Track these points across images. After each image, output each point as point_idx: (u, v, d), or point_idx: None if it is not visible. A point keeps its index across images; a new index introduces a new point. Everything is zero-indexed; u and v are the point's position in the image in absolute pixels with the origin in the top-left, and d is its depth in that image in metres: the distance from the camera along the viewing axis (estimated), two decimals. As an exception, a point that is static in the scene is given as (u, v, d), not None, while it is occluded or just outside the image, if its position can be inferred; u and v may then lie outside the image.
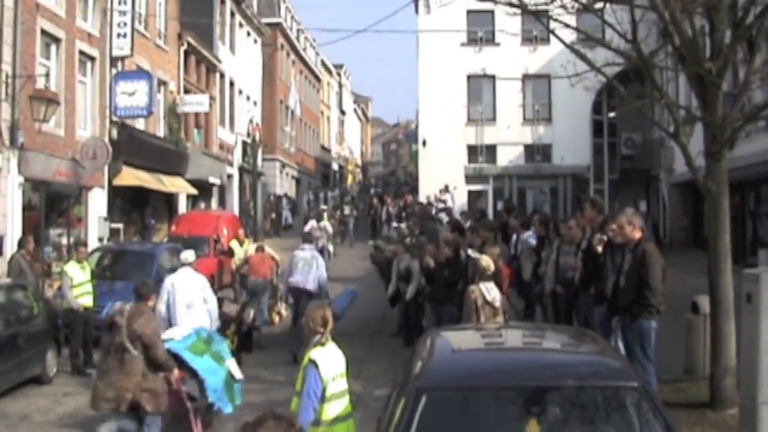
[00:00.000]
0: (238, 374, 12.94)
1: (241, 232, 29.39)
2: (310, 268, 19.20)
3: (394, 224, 37.79)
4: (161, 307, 15.63)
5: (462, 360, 8.28)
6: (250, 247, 24.94)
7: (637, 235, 12.27)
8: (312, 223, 34.67)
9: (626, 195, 41.82)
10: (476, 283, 12.67)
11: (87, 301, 17.94)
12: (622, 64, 14.21)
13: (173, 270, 18.74)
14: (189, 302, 15.86)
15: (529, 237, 19.52)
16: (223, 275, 28.39)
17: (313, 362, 8.22)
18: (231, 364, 12.85)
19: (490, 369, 7.59)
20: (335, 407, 8.28)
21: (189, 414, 11.51)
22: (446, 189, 43.28)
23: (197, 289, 16.15)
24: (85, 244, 20.24)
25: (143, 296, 11.98)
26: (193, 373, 11.95)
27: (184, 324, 14.66)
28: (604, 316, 13.31)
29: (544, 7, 14.47)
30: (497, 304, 12.52)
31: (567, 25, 14.20)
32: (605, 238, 14.23)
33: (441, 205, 39.84)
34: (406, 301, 19.79)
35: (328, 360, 8.32)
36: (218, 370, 12.36)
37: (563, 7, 14.00)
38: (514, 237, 20.82)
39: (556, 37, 13.98)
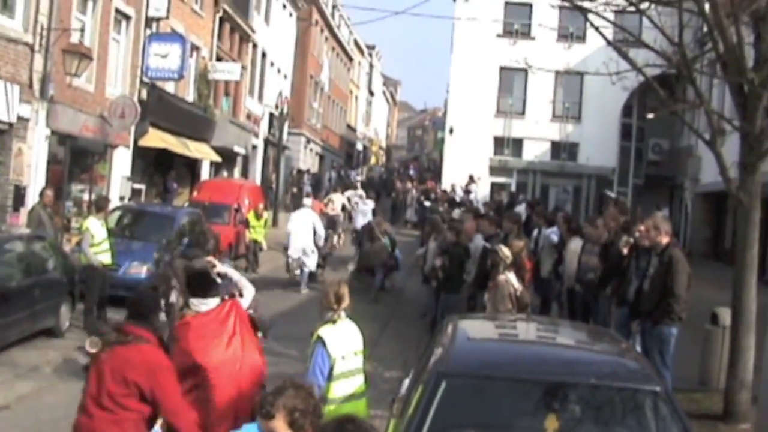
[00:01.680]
0: None
1: (261, 205, 29.38)
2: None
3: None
4: (289, 228, 24.81)
5: (484, 348, 8.24)
6: (269, 221, 25.49)
7: (665, 240, 12.19)
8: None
9: (649, 200, 41.54)
10: (503, 273, 12.60)
11: (106, 258, 17.91)
12: (663, 65, 14.06)
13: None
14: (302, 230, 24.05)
15: (552, 233, 19.43)
16: (239, 245, 28.33)
17: (320, 339, 8.13)
18: None
19: (511, 360, 7.54)
20: (344, 386, 8.20)
21: None
22: (471, 180, 43.15)
23: (309, 221, 24.50)
24: (109, 200, 20.24)
25: None
26: None
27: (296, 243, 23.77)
28: (625, 318, 13.25)
29: (587, 3, 14.34)
30: (520, 294, 12.48)
31: (611, 23, 14.09)
32: (631, 240, 14.16)
33: (468, 196, 39.78)
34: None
35: (338, 337, 8.21)
36: None
37: (607, 4, 13.88)
38: (536, 232, 20.74)
39: (600, 33, 13.83)
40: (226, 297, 8.25)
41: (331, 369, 8.06)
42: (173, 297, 11.32)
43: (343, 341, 8.24)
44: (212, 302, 7.92)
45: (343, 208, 35.57)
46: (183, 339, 7.70)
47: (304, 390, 4.86)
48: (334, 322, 8.27)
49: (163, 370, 7.01)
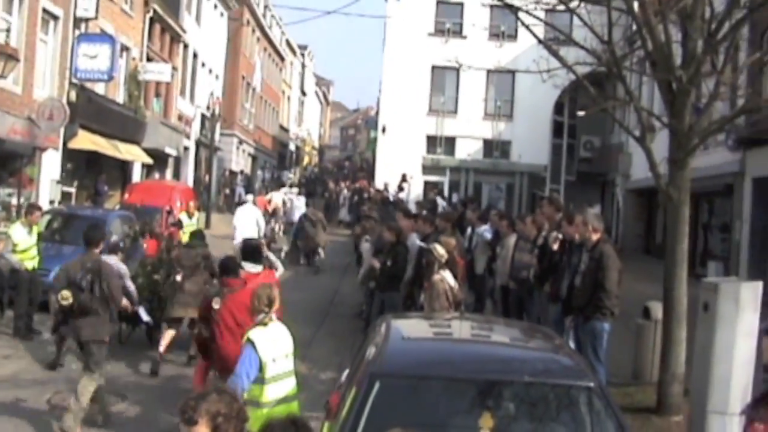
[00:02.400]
0: None
1: (192, 204, 29.13)
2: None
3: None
4: (234, 222, 27.42)
5: (417, 348, 8.22)
6: (201, 219, 25.66)
7: (595, 236, 12.29)
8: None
9: (581, 197, 41.87)
10: (438, 272, 12.62)
11: (31, 264, 17.59)
12: (593, 63, 14.18)
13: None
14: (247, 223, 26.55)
15: (485, 231, 19.50)
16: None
17: (250, 342, 8.15)
18: None
19: (445, 359, 7.53)
20: (277, 388, 8.23)
21: None
22: (404, 179, 43.23)
23: (253, 216, 27.30)
24: (40, 209, 19.83)
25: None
26: None
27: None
28: (558, 314, 13.35)
29: (518, 2, 14.41)
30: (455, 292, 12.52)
31: (541, 21, 14.18)
32: (560, 236, 14.27)
33: (401, 194, 39.87)
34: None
35: (269, 340, 8.24)
36: None
37: (538, 2, 13.96)
38: (470, 230, 20.81)
39: (530, 31, 13.92)
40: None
41: (263, 372, 8.08)
42: (178, 277, 15.29)
43: (273, 344, 8.27)
44: (259, 268, 11.74)
45: (284, 203, 37.43)
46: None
47: (228, 394, 4.80)
48: (265, 324, 8.32)
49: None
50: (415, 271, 15.69)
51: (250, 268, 11.43)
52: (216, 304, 10.85)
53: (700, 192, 26.37)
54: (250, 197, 30.97)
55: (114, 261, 14.38)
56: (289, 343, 8.51)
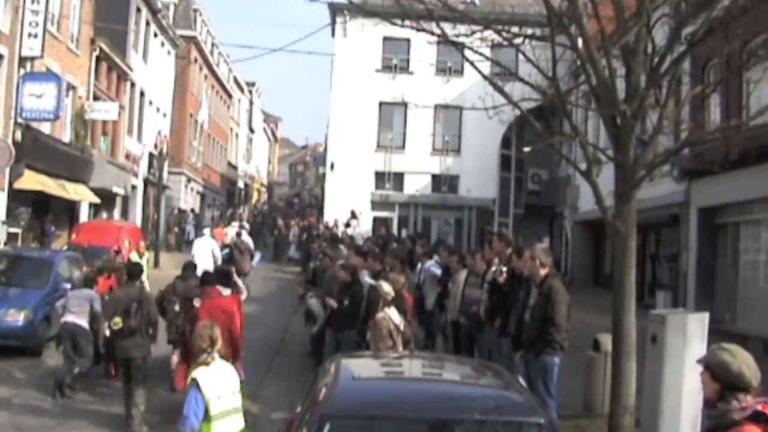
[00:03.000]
0: None
1: (141, 244, 28.95)
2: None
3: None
4: (192, 253, 28.86)
5: (367, 388, 8.19)
6: (150, 258, 25.44)
7: (543, 271, 12.35)
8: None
9: (530, 230, 42.16)
10: (382, 310, 12.61)
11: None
12: (537, 99, 14.29)
13: (71, 279, 21.35)
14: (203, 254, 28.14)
15: (433, 266, 19.54)
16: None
17: (194, 381, 8.22)
18: None
19: (394, 398, 7.49)
20: (225, 425, 8.27)
21: None
22: (353, 215, 43.19)
23: (209, 247, 29.48)
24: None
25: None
26: None
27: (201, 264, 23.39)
28: (510, 349, 13.37)
29: (462, 39, 14.49)
30: (403, 329, 12.50)
31: (485, 57, 14.26)
32: (504, 270, 14.34)
33: (349, 231, 39.80)
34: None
35: (213, 378, 8.29)
36: None
37: (482, 40, 14.04)
38: (419, 265, 20.83)
39: (475, 68, 14.01)
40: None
41: (209, 409, 8.12)
42: (177, 307, 16.88)
43: (217, 382, 8.31)
44: (228, 291, 14.16)
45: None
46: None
47: None
48: (207, 363, 8.40)
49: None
50: (367, 309, 15.67)
51: (221, 290, 13.99)
52: (196, 303, 14.32)
53: (647, 223, 26.71)
54: (207, 230, 33.39)
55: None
56: (235, 380, 8.57)
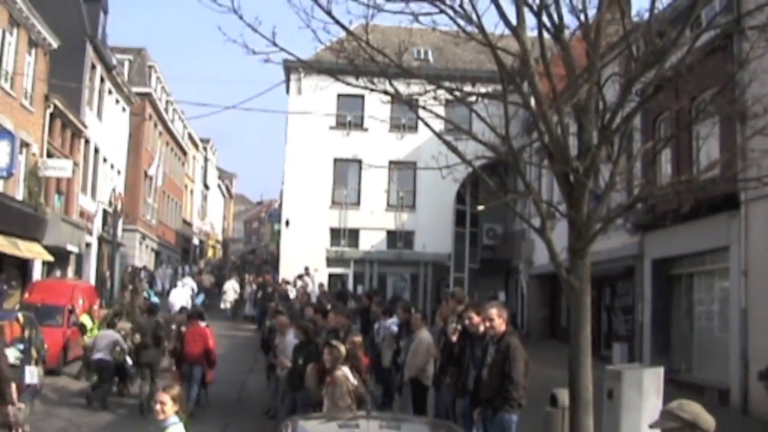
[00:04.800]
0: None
1: (95, 307, 28.71)
2: None
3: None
4: (171, 299, 37.64)
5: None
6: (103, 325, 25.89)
7: (503, 327, 12.39)
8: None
9: (486, 284, 42.38)
10: (339, 369, 12.57)
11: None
12: (491, 157, 14.39)
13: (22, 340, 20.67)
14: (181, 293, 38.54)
15: (392, 324, 19.50)
16: (72, 348, 27.48)
17: None
18: None
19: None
20: None
21: None
22: (306, 272, 43.06)
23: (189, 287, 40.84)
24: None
25: None
26: None
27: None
28: (467, 407, 13.34)
29: (417, 97, 14.59)
30: (357, 389, 12.45)
31: (438, 116, 14.35)
32: (459, 327, 14.35)
33: (300, 286, 39.63)
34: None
35: None
36: None
37: (435, 98, 14.14)
38: (377, 323, 20.80)
39: (428, 126, 14.07)
40: None
41: None
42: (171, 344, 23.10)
43: None
44: (204, 323, 22.56)
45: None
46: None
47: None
48: (179, 423, 8.36)
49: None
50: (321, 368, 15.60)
51: (200, 322, 22.19)
52: (183, 328, 22.30)
53: (602, 275, 26.90)
54: (187, 279, 46.22)
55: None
56: None
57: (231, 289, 47.50)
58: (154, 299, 35.90)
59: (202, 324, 22.06)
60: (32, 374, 18.63)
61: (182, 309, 29.61)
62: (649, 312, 27.49)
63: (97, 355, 22.57)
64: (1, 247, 31.79)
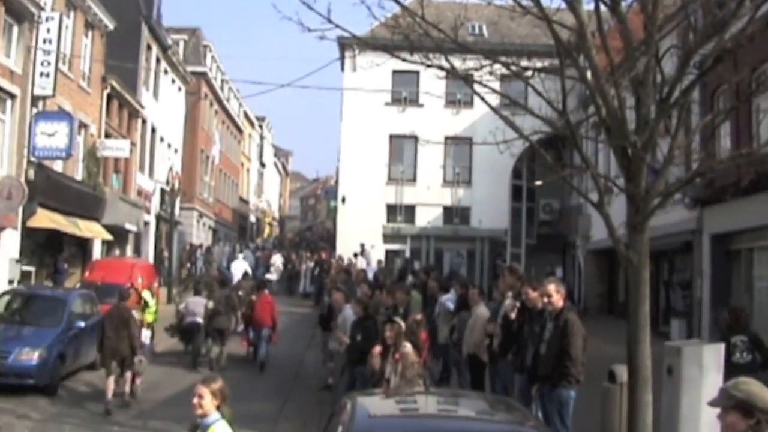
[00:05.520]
0: None
1: (155, 284, 29.04)
2: None
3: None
4: (232, 269, 42.01)
5: (384, 426, 8.14)
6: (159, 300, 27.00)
7: (561, 303, 12.33)
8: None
9: (542, 260, 42.17)
10: (405, 345, 12.60)
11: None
12: (547, 132, 14.30)
13: (85, 317, 22.67)
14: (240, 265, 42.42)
15: (448, 300, 19.47)
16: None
17: None
18: None
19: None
20: None
21: None
22: (363, 249, 43.11)
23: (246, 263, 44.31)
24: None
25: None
26: None
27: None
28: (525, 384, 13.31)
29: (472, 72, 14.50)
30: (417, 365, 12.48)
31: (494, 91, 14.28)
32: (518, 303, 14.28)
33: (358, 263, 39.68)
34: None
35: None
36: None
37: (491, 73, 14.06)
38: (438, 298, 20.77)
39: (484, 101, 13.99)
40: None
41: None
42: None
43: None
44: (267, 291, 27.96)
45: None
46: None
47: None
48: (225, 418, 7.63)
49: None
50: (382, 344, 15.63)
51: (265, 291, 27.58)
52: (253, 297, 26.91)
53: (660, 250, 26.65)
54: (245, 253, 51.62)
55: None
56: None
57: (278, 261, 50.53)
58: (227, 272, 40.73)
59: (267, 292, 27.56)
60: (146, 336, 23.12)
61: (245, 275, 38.04)
62: (707, 288, 27.21)
63: (190, 319, 25.49)
64: (62, 226, 32.16)
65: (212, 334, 24.99)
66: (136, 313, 20.92)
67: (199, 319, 25.32)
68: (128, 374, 19.37)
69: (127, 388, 19.49)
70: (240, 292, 29.09)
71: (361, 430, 7.57)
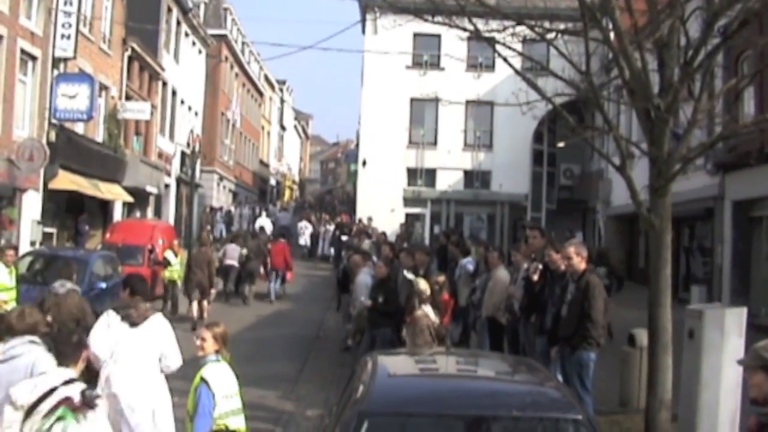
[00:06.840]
0: None
1: (176, 242, 29.13)
2: None
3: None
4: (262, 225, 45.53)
5: (405, 385, 8.16)
6: (183, 257, 26.77)
7: (583, 266, 12.31)
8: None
9: (563, 225, 42.05)
10: (419, 307, 12.61)
11: (9, 308, 17.42)
12: (571, 94, 14.23)
13: (106, 278, 22.62)
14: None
15: (468, 263, 19.50)
16: (156, 286, 27.89)
17: (204, 381, 8.18)
18: None
19: (433, 395, 7.47)
20: (235, 422, 8.30)
21: None
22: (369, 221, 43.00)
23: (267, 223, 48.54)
24: (14, 248, 19.68)
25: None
26: None
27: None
28: (545, 346, 13.32)
29: (495, 34, 14.42)
30: (438, 327, 12.48)
31: (518, 53, 14.19)
32: (540, 266, 14.26)
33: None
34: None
35: (222, 377, 8.30)
36: None
37: (514, 35, 13.97)
38: (457, 262, 20.78)
39: (508, 63, 13.90)
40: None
41: (216, 408, 8.12)
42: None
43: (226, 381, 8.33)
44: (284, 240, 33.94)
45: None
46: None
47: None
48: (218, 362, 8.41)
49: None
50: (404, 305, 15.65)
51: (282, 240, 33.22)
52: (270, 246, 32.29)
53: (681, 216, 26.54)
54: (264, 213, 57.04)
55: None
56: (235, 381, 8.49)
57: (305, 226, 50.20)
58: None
59: (283, 240, 33.15)
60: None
61: (261, 229, 40.12)
62: (728, 254, 27.12)
63: (228, 262, 29.87)
64: (83, 188, 32.28)
65: (244, 275, 29.90)
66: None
67: (235, 263, 30.00)
68: (204, 303, 24.84)
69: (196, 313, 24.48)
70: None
71: (381, 390, 7.60)
